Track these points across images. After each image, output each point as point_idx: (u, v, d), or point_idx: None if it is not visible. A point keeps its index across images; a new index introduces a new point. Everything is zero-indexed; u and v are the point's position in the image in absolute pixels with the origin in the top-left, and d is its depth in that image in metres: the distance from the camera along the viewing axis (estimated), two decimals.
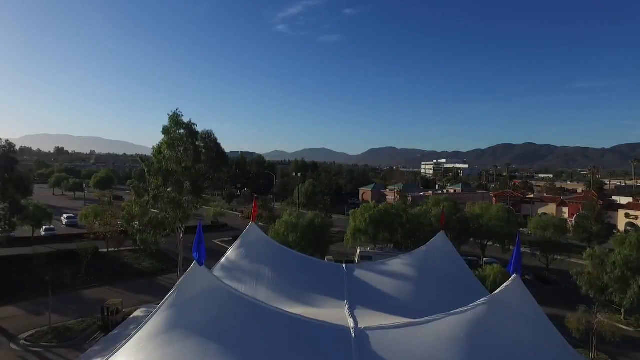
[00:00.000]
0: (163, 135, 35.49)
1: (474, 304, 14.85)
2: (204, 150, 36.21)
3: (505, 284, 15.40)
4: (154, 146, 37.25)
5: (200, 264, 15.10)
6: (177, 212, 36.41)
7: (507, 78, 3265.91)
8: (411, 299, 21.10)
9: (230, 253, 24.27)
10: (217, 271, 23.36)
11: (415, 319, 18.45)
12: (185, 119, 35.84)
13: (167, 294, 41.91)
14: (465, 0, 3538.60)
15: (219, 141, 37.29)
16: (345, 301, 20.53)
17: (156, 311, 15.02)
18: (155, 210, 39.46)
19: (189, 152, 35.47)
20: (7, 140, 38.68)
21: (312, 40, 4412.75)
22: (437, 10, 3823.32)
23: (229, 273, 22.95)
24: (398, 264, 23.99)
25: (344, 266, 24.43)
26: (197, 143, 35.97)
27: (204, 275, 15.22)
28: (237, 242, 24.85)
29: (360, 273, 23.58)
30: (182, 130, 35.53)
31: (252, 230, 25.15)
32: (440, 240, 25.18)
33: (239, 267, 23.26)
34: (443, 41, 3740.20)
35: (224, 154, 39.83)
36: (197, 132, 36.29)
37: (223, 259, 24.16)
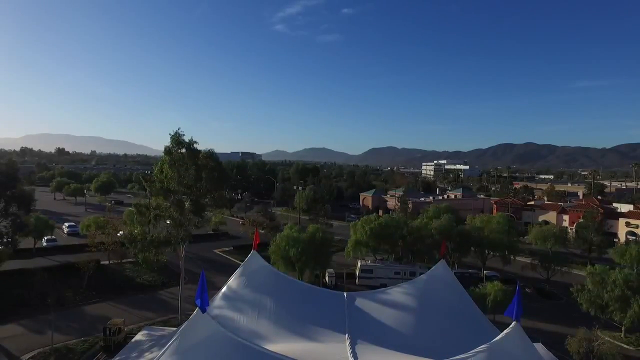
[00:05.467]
0: (164, 155, 35.63)
1: (475, 351, 14.91)
2: (205, 170, 36.27)
3: (505, 331, 15.47)
4: (153, 165, 37.32)
5: (203, 310, 15.18)
6: (179, 230, 36.51)
7: (508, 78, 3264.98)
8: (412, 332, 21.18)
9: (232, 282, 24.35)
10: (218, 300, 23.50)
11: (416, 355, 18.60)
12: (186, 138, 35.94)
13: (168, 310, 41.81)
14: (466, 0, 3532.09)
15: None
16: (347, 335, 20.63)
17: (160, 357, 15.09)
18: (159, 223, 39.61)
19: (190, 171, 35.57)
20: (9, 159, 38.78)
21: (310, 39, 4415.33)
22: (436, 9, 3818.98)
23: (231, 303, 23.06)
24: (399, 293, 24.07)
25: (345, 295, 24.49)
26: (198, 162, 36.03)
27: (206, 322, 15.32)
28: (239, 271, 24.93)
29: (361, 302, 23.65)
30: (184, 150, 35.64)
31: (253, 259, 25.19)
32: (441, 269, 25.23)
33: (241, 296, 23.35)
34: (443, 40, 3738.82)
35: (225, 172, 39.85)
36: (199, 151, 36.41)
37: (224, 288, 24.24)
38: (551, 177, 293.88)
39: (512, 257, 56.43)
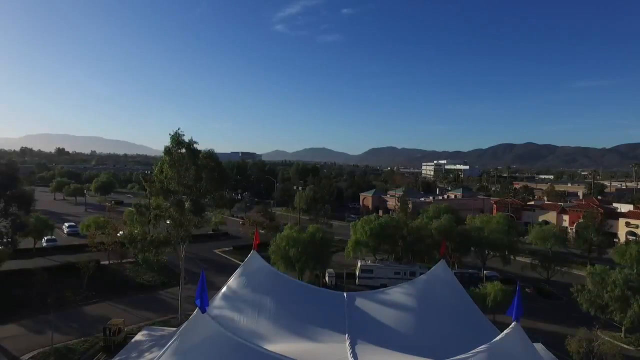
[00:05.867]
0: (164, 155, 35.62)
1: (475, 351, 14.90)
2: (205, 170, 36.26)
3: (505, 331, 15.47)
4: (153, 165, 37.31)
5: (202, 310, 15.18)
6: (179, 230, 36.50)
7: (508, 78, 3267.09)
8: (412, 332, 21.18)
9: (232, 282, 24.34)
10: (218, 301, 23.47)
11: (416, 355, 18.60)
12: (186, 138, 35.90)
13: (168, 310, 41.76)
14: (465, 0, 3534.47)
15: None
16: (347, 335, 20.63)
17: (160, 357, 15.08)
18: (159, 223, 39.63)
19: (190, 171, 35.56)
20: (9, 159, 38.84)
21: (310, 40, 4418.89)
22: (436, 9, 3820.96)
23: (231, 303, 23.04)
24: (399, 293, 24.07)
25: (345, 295, 24.48)
26: (198, 162, 36.00)
27: (206, 322, 15.31)
28: (239, 271, 24.92)
29: (361, 302, 23.64)
30: (184, 150, 35.63)
31: (253, 258, 25.18)
32: (441, 269, 25.23)
33: (241, 296, 23.34)
34: (443, 40, 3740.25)
35: (225, 172, 39.81)
36: (199, 151, 36.39)
37: (224, 288, 24.22)
38: (551, 177, 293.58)
39: (512, 257, 56.43)
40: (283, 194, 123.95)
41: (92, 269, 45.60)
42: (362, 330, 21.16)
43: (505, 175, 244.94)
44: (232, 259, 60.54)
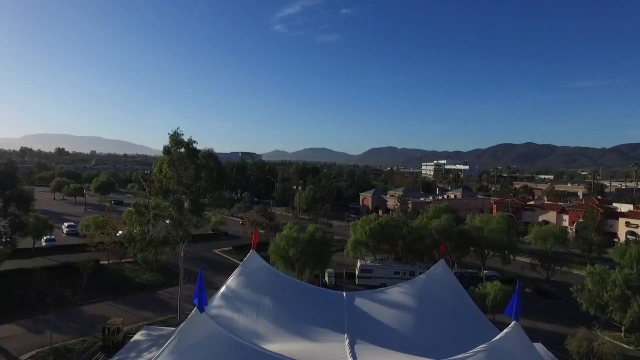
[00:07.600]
0: (163, 154, 35.62)
1: (474, 350, 14.85)
2: (205, 169, 36.26)
3: (505, 331, 15.41)
4: (153, 164, 37.33)
5: (201, 310, 15.12)
6: (178, 230, 36.50)
7: (508, 78, 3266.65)
8: (412, 332, 21.14)
9: (231, 281, 24.28)
10: (217, 300, 23.42)
11: (415, 354, 18.54)
12: (185, 137, 35.88)
13: (167, 310, 41.69)
14: (465, 0, 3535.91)
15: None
16: (346, 334, 20.57)
17: (158, 357, 15.02)
18: (158, 223, 39.59)
19: (189, 171, 35.56)
20: (8, 158, 38.80)
21: (310, 40, 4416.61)
22: (435, 9, 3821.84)
23: (230, 303, 22.99)
24: (398, 293, 24.03)
25: (344, 294, 24.43)
26: (197, 162, 36.01)
27: (205, 321, 15.25)
28: (238, 270, 24.86)
29: (360, 302, 23.61)
30: (183, 149, 35.63)
31: (252, 258, 25.13)
32: (440, 268, 25.19)
33: (240, 296, 23.29)
34: (442, 40, 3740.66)
35: (225, 172, 39.76)
36: (198, 151, 36.40)
37: (223, 288, 24.16)
38: (551, 177, 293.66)
39: (512, 257, 56.38)
40: (283, 194, 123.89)
41: (91, 268, 45.60)
42: (362, 330, 21.11)
43: (505, 175, 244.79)
44: (232, 259, 60.46)
